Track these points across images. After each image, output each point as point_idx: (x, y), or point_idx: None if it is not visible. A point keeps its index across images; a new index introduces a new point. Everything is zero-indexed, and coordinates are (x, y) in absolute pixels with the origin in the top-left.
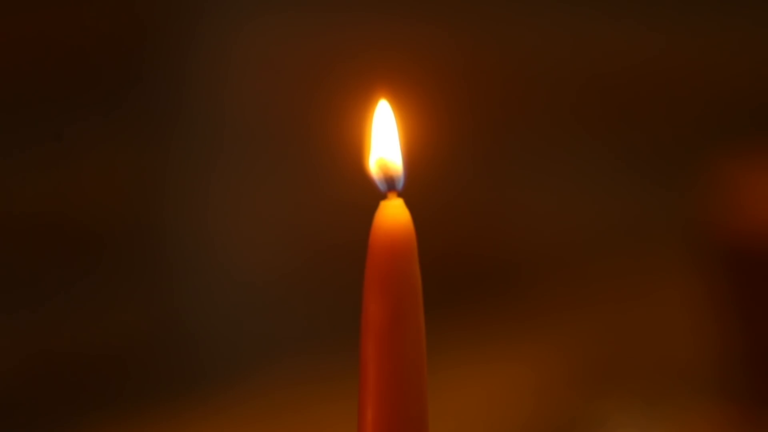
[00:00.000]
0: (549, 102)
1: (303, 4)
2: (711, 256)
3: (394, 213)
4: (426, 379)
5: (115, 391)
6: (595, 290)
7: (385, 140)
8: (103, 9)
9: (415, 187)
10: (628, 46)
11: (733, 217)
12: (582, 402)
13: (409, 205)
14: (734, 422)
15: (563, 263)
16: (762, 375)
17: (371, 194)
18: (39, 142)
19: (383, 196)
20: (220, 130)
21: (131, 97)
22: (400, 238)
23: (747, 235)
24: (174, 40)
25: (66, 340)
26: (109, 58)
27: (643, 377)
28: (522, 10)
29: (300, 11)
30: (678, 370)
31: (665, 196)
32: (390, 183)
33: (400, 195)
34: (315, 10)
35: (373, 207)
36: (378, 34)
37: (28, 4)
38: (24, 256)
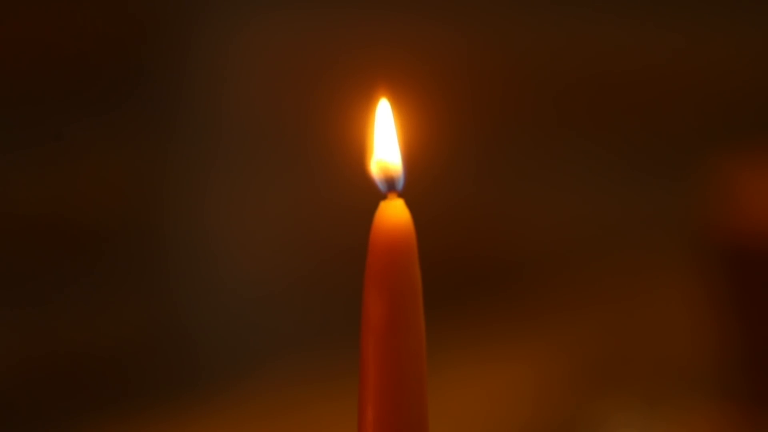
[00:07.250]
0: (549, 102)
1: (302, 4)
2: (711, 256)
3: (394, 213)
4: (426, 379)
5: (113, 391)
6: (596, 290)
7: (385, 140)
8: (102, 9)
9: (415, 187)
10: (628, 47)
11: (733, 217)
12: (582, 402)
13: (409, 205)
14: (734, 422)
15: (563, 263)
16: (762, 375)
17: (371, 194)
18: (38, 142)
19: (383, 197)
20: (219, 129)
21: (130, 97)
22: (400, 238)
23: (747, 235)
24: (173, 39)
25: (65, 339)
26: (108, 58)
27: (643, 377)
28: (523, 10)
29: (299, 11)
30: (678, 370)
31: (665, 197)
32: (390, 183)
33: (400, 195)
34: (314, 10)
35: (373, 207)
36: (378, 34)
37: (27, 5)
38: (22, 255)
